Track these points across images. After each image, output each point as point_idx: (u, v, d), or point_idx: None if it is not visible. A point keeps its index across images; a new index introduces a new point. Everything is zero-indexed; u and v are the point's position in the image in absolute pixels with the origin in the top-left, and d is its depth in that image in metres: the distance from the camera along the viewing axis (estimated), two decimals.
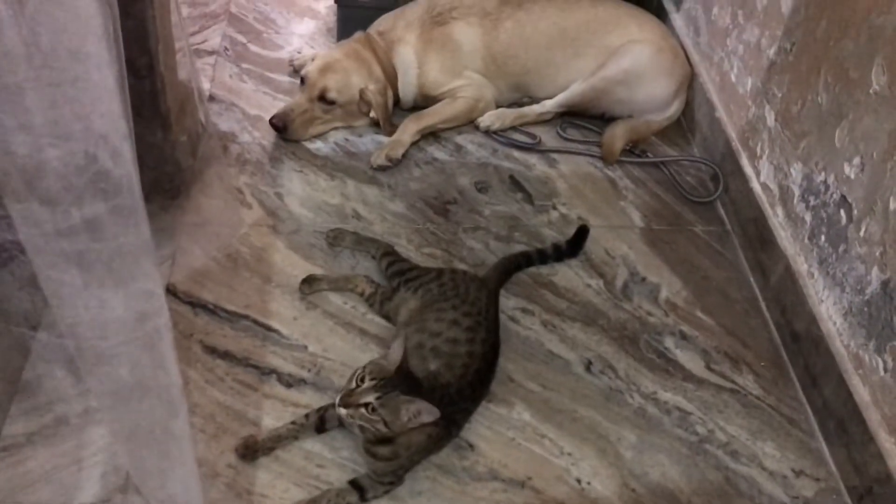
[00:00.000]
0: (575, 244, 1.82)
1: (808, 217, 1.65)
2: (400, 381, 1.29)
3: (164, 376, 0.77)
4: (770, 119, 1.81)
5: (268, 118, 2.00)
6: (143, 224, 0.65)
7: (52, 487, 1.31)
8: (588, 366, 1.61)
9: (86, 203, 0.62)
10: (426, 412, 1.26)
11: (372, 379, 1.29)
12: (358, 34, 2.10)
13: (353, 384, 1.30)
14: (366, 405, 1.27)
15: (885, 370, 1.39)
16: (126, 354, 0.73)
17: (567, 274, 1.79)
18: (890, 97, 1.40)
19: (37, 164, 0.59)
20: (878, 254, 1.42)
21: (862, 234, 1.47)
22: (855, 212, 1.50)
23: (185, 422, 0.83)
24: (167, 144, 1.56)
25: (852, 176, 1.51)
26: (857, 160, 1.49)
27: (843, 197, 1.53)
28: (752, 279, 1.83)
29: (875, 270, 1.43)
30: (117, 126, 0.60)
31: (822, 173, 1.60)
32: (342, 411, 1.29)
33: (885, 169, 1.41)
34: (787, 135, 1.74)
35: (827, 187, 1.59)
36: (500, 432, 1.48)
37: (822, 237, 1.60)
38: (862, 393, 1.44)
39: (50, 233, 0.62)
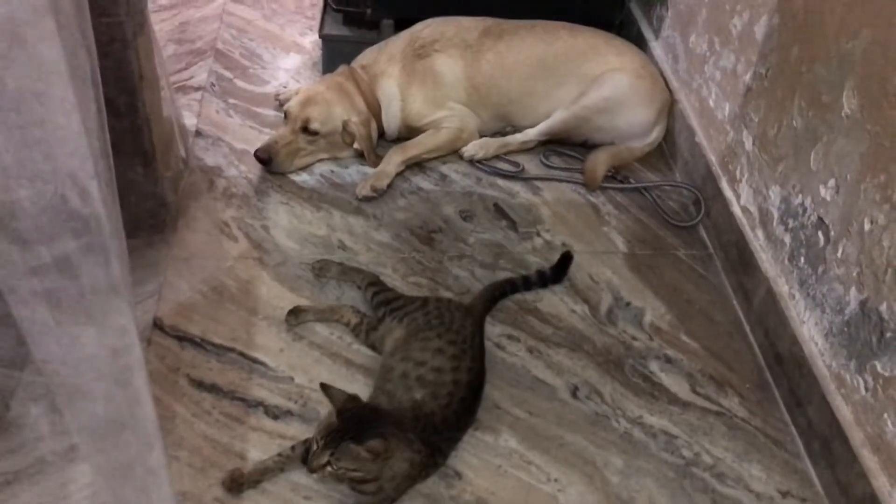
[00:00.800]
0: (559, 270, 1.83)
1: (787, 239, 1.67)
2: (348, 426, 1.27)
3: (140, 411, 0.78)
4: (748, 143, 1.84)
5: (253, 151, 2.03)
6: (114, 262, 0.66)
7: None
8: (574, 391, 1.62)
9: (56, 242, 0.63)
10: (386, 441, 1.26)
11: (322, 438, 1.28)
12: (341, 68, 2.13)
13: (314, 446, 1.30)
14: (326, 464, 1.27)
15: (866, 390, 1.40)
16: (100, 391, 0.74)
17: (552, 300, 1.80)
18: (861, 120, 1.43)
19: (8, 204, 0.60)
20: (855, 274, 1.44)
21: (839, 254, 1.49)
22: (832, 233, 1.52)
23: (162, 455, 0.84)
24: (149, 181, 1.58)
25: (828, 198, 1.53)
26: (832, 182, 1.52)
27: (821, 219, 1.55)
28: (735, 302, 1.84)
29: (853, 291, 1.45)
30: (85, 166, 0.61)
31: (800, 195, 1.63)
32: (313, 476, 1.31)
33: (859, 190, 1.43)
34: (765, 158, 1.76)
35: (804, 209, 1.61)
36: (486, 460, 1.48)
37: (802, 259, 1.62)
38: (845, 412, 1.45)
39: (21, 272, 0.63)
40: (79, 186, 0.62)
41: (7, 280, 0.64)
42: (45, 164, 0.60)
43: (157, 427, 0.82)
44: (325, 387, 1.32)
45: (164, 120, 1.70)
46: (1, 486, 1.35)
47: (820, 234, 1.55)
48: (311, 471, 1.29)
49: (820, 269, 1.55)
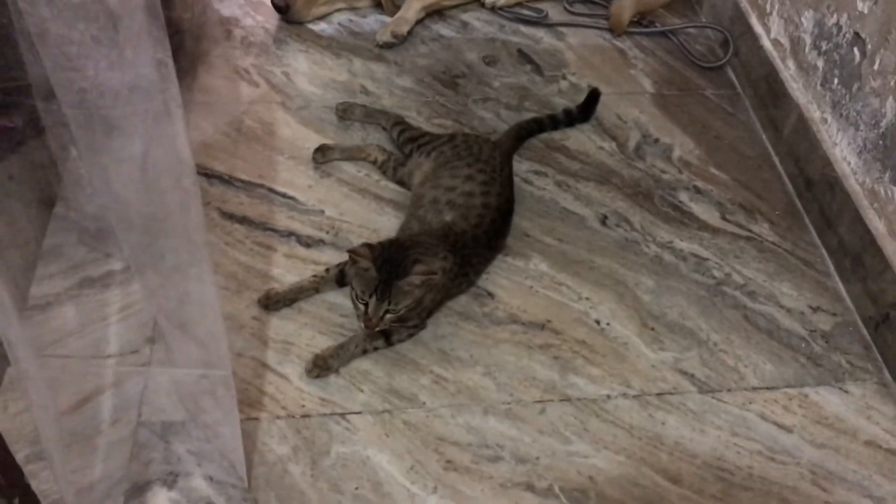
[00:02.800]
0: (586, 108, 1.81)
1: (820, 63, 1.63)
2: (386, 272, 1.27)
3: (176, 160, 0.76)
4: None
5: (269, 1, 1.98)
6: None
7: (82, 341, 1.34)
8: (603, 220, 1.61)
9: None
10: (427, 265, 1.28)
11: (369, 296, 1.28)
12: None
13: (361, 309, 1.30)
14: (385, 313, 1.28)
15: None
16: (138, 127, 0.73)
17: (579, 138, 1.78)
18: None
19: None
20: (893, 83, 1.41)
21: (876, 67, 1.46)
22: (868, 46, 1.48)
23: (200, 214, 0.83)
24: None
25: (865, 11, 1.48)
26: None
27: (857, 34, 1.51)
28: (764, 137, 1.82)
29: (890, 101, 1.42)
30: None
31: (835, 15, 1.58)
32: (379, 330, 1.32)
33: None
34: None
35: (839, 28, 1.57)
36: (518, 282, 1.49)
37: (835, 80, 1.58)
38: (878, 225, 1.45)
39: None
40: None
41: None
42: None
43: (196, 182, 0.81)
44: (351, 251, 1.29)
45: None
46: (42, 308, 1.38)
47: (855, 50, 1.52)
48: (371, 327, 1.29)
49: (854, 87, 1.52)
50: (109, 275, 1.43)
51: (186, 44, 1.77)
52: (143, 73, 0.71)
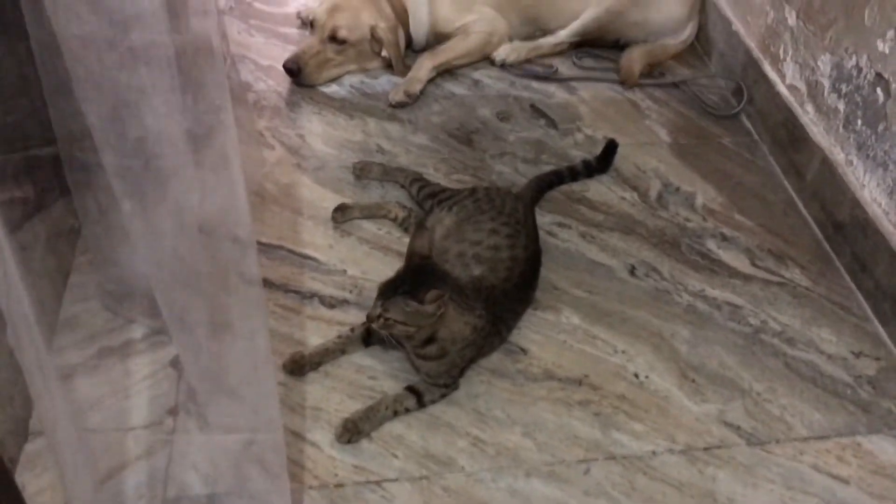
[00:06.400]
0: (605, 159, 1.79)
1: (841, 106, 1.63)
2: (406, 279, 1.25)
3: (233, 209, 0.73)
4: (791, 19, 1.79)
5: (280, 66, 1.98)
6: (210, 18, 0.62)
7: (102, 414, 1.28)
8: (632, 270, 1.58)
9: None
10: (434, 296, 1.20)
11: (380, 287, 1.26)
12: None
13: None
14: (378, 316, 1.24)
15: None
16: (194, 176, 0.69)
17: (599, 189, 1.76)
18: None
19: None
20: None
21: None
22: (893, 86, 1.47)
23: (256, 265, 0.79)
24: None
25: (887, 51, 1.48)
26: (890, 33, 1.47)
27: (879, 75, 1.51)
28: (786, 182, 1.80)
29: None
30: None
31: (854, 57, 1.58)
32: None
33: None
34: (812, 29, 1.71)
35: (860, 70, 1.56)
36: (550, 336, 1.45)
37: (859, 122, 1.57)
38: None
39: (119, 23, 0.59)
40: None
41: (104, 37, 0.59)
42: None
43: (251, 232, 0.77)
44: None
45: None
46: (63, 378, 1.32)
47: (878, 90, 1.51)
48: (369, 320, 1.26)
49: (880, 128, 1.51)
50: (129, 343, 1.38)
51: None
52: (201, 119, 0.68)
